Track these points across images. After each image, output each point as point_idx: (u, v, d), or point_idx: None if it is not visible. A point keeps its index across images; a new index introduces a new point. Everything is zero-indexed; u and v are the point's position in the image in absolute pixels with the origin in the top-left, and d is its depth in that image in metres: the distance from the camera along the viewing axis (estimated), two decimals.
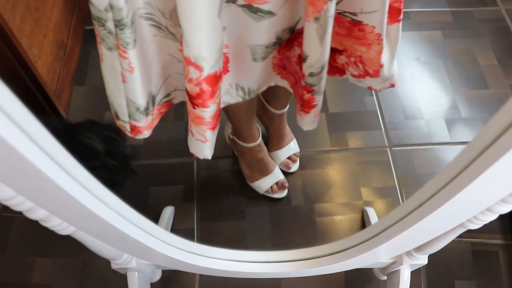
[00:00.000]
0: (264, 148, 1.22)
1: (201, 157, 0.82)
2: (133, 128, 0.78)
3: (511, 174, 0.41)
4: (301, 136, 1.31)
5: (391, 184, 1.26)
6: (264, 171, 1.23)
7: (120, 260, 0.80)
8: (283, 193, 1.25)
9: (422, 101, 1.42)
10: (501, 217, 1.24)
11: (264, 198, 1.24)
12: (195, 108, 0.70)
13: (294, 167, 1.29)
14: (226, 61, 0.74)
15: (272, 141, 1.27)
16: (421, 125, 1.36)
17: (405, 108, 1.40)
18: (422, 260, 0.85)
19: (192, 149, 0.82)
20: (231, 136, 1.24)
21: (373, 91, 1.43)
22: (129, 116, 0.75)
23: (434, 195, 0.49)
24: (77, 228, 0.59)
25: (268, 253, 0.73)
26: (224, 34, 0.67)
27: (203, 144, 0.78)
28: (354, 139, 1.33)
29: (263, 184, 1.24)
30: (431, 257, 1.16)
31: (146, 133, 0.80)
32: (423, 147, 1.33)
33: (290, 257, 0.72)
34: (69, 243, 1.18)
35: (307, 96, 0.76)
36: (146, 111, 0.75)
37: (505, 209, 0.54)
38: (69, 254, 1.18)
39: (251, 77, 0.79)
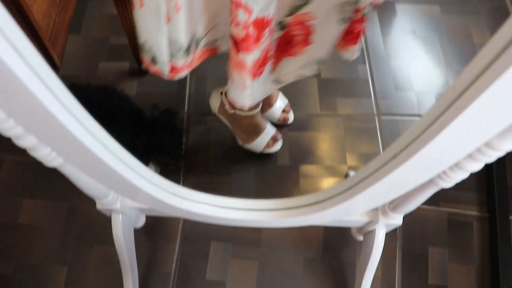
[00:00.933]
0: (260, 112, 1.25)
1: (238, 104, 0.84)
2: (173, 69, 0.79)
3: (474, 130, 0.43)
4: (291, 99, 1.33)
5: (376, 151, 1.29)
6: (259, 131, 1.25)
7: (106, 200, 0.83)
8: (279, 145, 1.27)
9: (414, 74, 1.44)
10: (479, 189, 1.28)
11: (250, 156, 1.26)
12: (238, 52, 0.71)
13: (291, 117, 1.32)
14: (309, 32, 0.76)
15: (263, 101, 1.28)
16: (410, 97, 1.38)
17: (396, 79, 1.42)
18: (396, 220, 0.88)
19: (231, 95, 0.84)
20: (230, 111, 1.22)
21: (366, 60, 1.44)
22: (171, 55, 0.76)
23: (407, 147, 0.51)
24: (64, 159, 0.61)
25: (249, 201, 0.76)
26: (313, 5, 0.70)
27: (241, 93, 0.80)
28: (344, 105, 1.35)
29: (260, 143, 1.25)
30: (408, 223, 1.20)
31: (185, 72, 0.82)
32: (411, 118, 1.35)
33: (270, 206, 0.75)
34: (56, 186, 1.21)
35: (359, 27, 0.79)
36: (188, 51, 0.77)
37: (474, 167, 0.56)
38: (56, 197, 1.21)
39: (329, 44, 0.81)
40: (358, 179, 0.61)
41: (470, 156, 0.53)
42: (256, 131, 1.25)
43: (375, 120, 1.33)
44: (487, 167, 1.26)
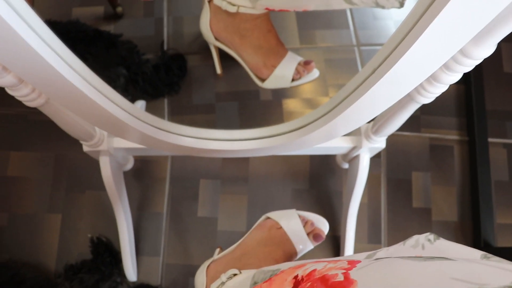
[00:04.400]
0: None
1: None
2: None
3: (448, 35, 0.44)
4: None
5: None
6: (280, 50, 1.00)
7: (92, 141, 0.83)
8: (315, 72, 1.03)
9: None
10: (458, 114, 1.30)
11: (233, 93, 1.26)
12: None
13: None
14: None
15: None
16: (389, 26, 1.38)
17: (374, 8, 1.41)
18: (380, 143, 0.90)
19: None
20: (231, 9, 0.93)
21: None
22: None
23: (385, 60, 0.52)
24: (45, 94, 0.61)
25: (234, 131, 0.77)
26: None
27: None
28: (323, 38, 1.34)
29: (286, 68, 0.99)
30: (391, 150, 1.23)
31: None
32: None
33: (255, 135, 0.76)
34: (41, 138, 1.21)
35: None
36: None
37: (451, 79, 0.57)
38: (42, 148, 1.21)
39: None
40: (340, 98, 0.63)
41: (446, 67, 0.55)
42: (273, 49, 0.98)
43: (354, 51, 1.33)
44: (466, 91, 1.29)
